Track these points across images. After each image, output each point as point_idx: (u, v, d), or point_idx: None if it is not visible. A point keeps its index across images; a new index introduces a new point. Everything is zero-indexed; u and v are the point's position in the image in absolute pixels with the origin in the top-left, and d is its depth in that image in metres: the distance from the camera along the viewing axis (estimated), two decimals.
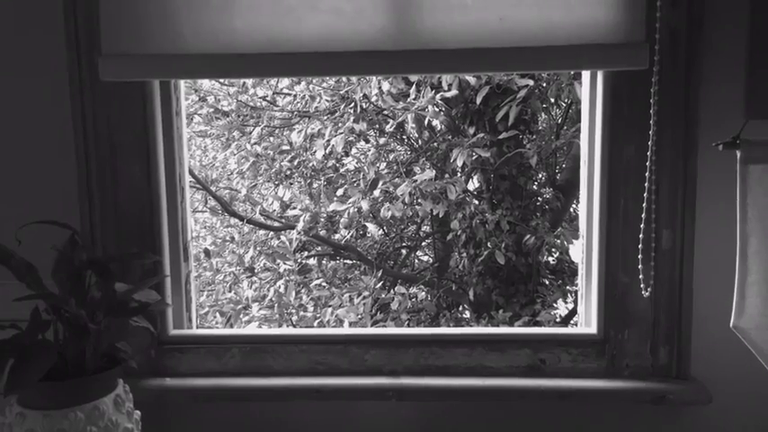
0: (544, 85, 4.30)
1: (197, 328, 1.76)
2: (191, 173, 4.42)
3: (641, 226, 1.51)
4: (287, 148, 4.58)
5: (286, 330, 1.80)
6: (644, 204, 1.50)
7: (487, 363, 1.63)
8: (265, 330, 1.75)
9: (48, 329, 1.26)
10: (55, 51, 1.53)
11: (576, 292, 5.26)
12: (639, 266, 1.52)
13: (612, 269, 1.58)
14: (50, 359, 1.19)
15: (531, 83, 3.86)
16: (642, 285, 1.52)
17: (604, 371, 1.61)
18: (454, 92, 3.61)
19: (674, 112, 1.49)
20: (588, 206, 1.63)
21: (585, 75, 1.63)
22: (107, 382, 1.29)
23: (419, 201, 4.31)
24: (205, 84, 4.45)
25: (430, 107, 3.63)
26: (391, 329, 2.04)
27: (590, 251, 1.64)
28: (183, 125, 1.68)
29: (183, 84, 1.70)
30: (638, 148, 1.52)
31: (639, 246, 1.52)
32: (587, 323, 1.66)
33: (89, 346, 1.28)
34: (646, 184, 1.49)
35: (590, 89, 1.61)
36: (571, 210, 5.51)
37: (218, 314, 3.83)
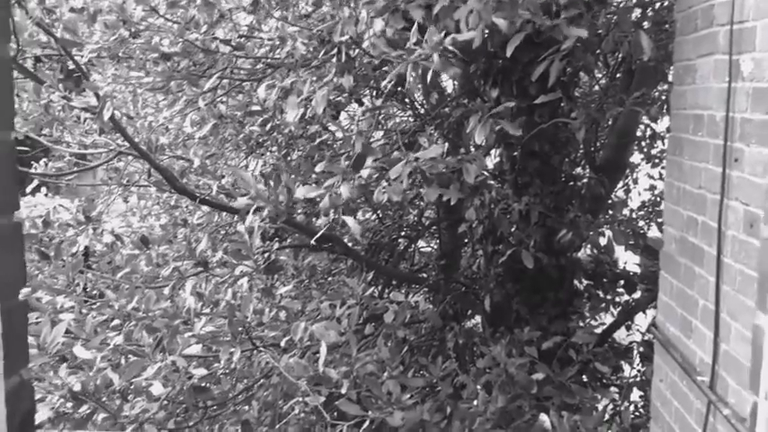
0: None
1: None
2: (125, 135, 3.37)
3: None
4: (257, 108, 3.59)
5: None
6: None
7: None
8: None
9: None
10: None
11: (617, 302, 4.27)
12: None
13: None
14: None
15: (585, 34, 2.74)
16: None
17: None
18: (472, 33, 2.51)
19: None
20: None
21: None
22: None
23: (420, 186, 3.33)
24: (137, 12, 3.34)
25: (436, 56, 2.56)
26: None
27: None
28: None
29: None
30: None
31: None
32: None
33: None
34: None
35: None
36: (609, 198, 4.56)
37: (144, 332, 2.84)
